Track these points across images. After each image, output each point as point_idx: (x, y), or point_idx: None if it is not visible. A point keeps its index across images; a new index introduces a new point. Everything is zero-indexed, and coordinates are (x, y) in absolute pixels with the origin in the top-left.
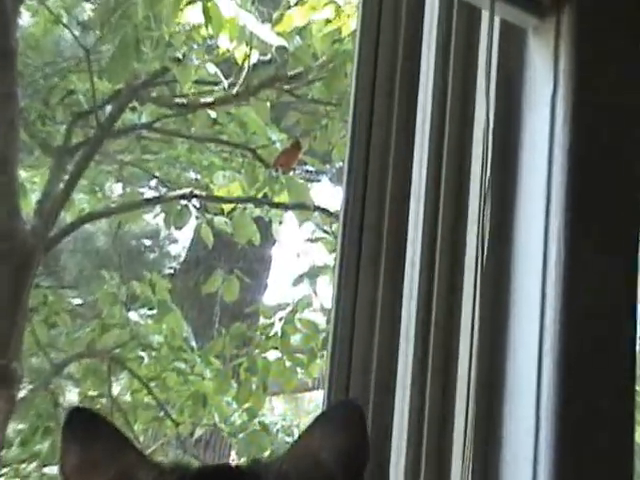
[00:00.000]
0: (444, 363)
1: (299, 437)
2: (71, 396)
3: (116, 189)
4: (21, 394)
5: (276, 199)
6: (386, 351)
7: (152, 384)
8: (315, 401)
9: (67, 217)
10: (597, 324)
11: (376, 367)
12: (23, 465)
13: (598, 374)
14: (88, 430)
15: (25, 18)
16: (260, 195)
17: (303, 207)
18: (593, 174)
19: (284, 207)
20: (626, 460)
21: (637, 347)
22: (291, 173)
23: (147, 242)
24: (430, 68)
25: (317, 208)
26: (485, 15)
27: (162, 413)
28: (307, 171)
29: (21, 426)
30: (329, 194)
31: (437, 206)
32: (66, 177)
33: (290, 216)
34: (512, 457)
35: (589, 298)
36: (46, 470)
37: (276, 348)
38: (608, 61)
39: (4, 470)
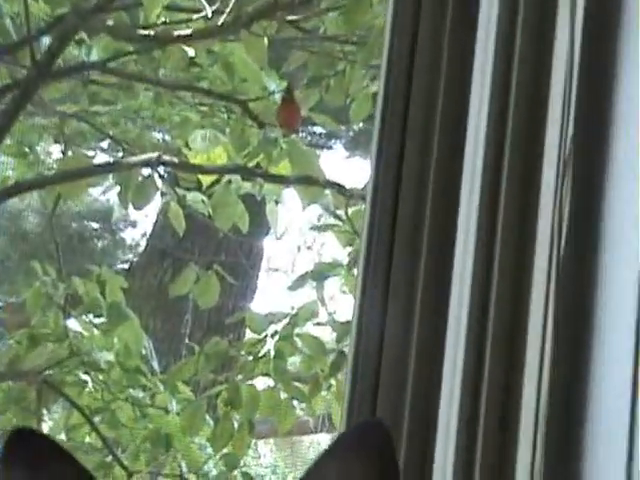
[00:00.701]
0: (503, 393)
1: (307, 471)
2: None
3: (54, 151)
4: None
5: (273, 170)
6: (425, 377)
7: (97, 418)
8: (318, 447)
9: None
10: None
11: (411, 397)
12: None
13: None
14: (33, 455)
15: None
16: (251, 164)
17: (309, 182)
18: None
19: (283, 181)
20: None
21: None
22: (294, 136)
23: (94, 225)
24: None
25: (328, 184)
26: None
27: (110, 458)
28: (315, 134)
29: None
30: (344, 165)
31: (498, 182)
32: None
33: (291, 194)
34: None
35: None
36: None
37: (267, 374)
38: None
39: None
